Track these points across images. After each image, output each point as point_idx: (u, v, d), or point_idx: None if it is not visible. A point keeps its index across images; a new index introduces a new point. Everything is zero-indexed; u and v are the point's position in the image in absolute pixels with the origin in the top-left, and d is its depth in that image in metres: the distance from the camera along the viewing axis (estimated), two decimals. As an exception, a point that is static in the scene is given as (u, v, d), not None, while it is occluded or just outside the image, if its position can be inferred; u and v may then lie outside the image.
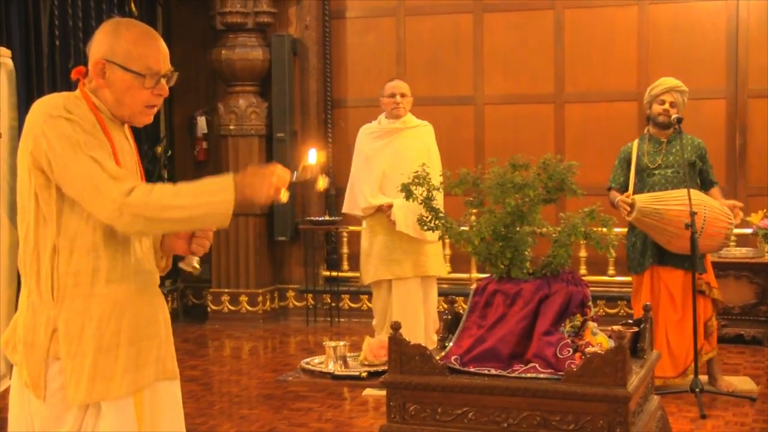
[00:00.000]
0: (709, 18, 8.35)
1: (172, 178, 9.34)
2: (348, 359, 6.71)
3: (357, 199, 6.53)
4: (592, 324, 3.34)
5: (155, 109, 2.81)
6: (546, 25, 8.72)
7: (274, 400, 6.20)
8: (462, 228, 3.49)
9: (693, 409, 5.65)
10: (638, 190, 6.12)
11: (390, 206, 6.27)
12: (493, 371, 3.16)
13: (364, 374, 6.46)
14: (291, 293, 9.27)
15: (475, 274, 8.46)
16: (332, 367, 6.65)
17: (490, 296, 3.29)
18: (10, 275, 5.51)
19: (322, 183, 2.96)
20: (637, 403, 3.19)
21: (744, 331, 7.46)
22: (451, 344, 3.32)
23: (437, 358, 3.24)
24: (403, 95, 6.45)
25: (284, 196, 2.70)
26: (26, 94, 6.71)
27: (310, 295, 9.12)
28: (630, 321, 3.64)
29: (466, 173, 3.51)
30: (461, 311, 3.42)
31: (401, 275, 6.37)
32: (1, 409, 5.56)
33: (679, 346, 5.97)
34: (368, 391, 6.24)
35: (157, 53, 2.75)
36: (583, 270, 8.27)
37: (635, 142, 6.28)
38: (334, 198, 9.20)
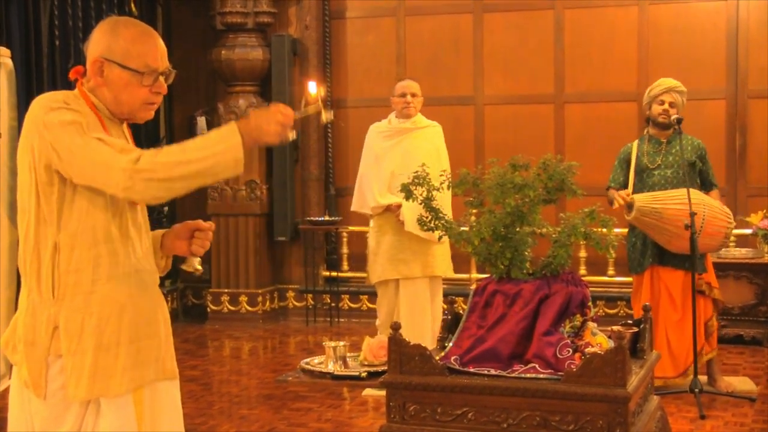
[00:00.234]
0: (709, 18, 8.35)
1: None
2: (348, 359, 6.71)
3: (366, 197, 6.53)
4: (591, 324, 3.34)
5: (155, 106, 2.81)
6: (546, 25, 8.73)
7: (273, 400, 6.20)
8: (462, 228, 3.49)
9: (692, 410, 5.65)
10: (638, 191, 6.12)
11: (399, 206, 6.26)
12: (492, 371, 3.16)
13: (364, 374, 6.46)
14: (291, 293, 9.27)
15: (474, 275, 8.47)
16: (332, 367, 6.65)
17: (490, 296, 3.29)
18: (10, 275, 5.51)
19: (325, 116, 2.92)
20: (637, 404, 3.19)
21: (743, 332, 7.46)
22: (450, 344, 3.32)
23: (437, 358, 3.24)
24: (413, 95, 6.45)
25: (291, 135, 2.69)
26: (26, 94, 6.71)
27: (309, 296, 9.13)
28: (630, 321, 3.64)
29: (466, 173, 3.51)
30: (461, 311, 3.42)
31: (409, 275, 6.37)
32: (1, 408, 5.56)
33: (679, 346, 5.97)
34: (368, 392, 6.24)
35: (155, 51, 2.75)
36: (582, 270, 8.28)
37: (635, 143, 6.29)
38: (333, 198, 9.20)
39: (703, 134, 6.69)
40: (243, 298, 9.05)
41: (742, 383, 6.30)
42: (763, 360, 7.07)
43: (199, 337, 8.52)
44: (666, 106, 6.13)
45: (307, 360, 6.97)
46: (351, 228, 9.02)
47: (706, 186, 6.21)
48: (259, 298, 9.06)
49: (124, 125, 2.83)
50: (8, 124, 5.64)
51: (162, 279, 2.92)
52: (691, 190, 5.88)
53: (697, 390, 5.67)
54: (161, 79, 2.76)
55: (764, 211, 7.64)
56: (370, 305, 8.76)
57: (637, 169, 6.17)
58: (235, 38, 8.95)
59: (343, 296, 9.04)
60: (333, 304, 8.99)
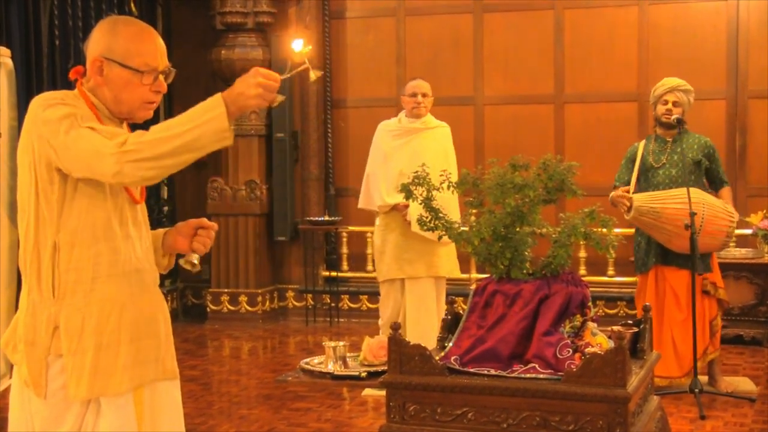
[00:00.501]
0: (709, 19, 8.35)
1: (172, 178, 9.35)
2: (347, 359, 6.70)
3: (373, 196, 6.53)
4: (591, 324, 3.34)
5: (154, 105, 2.81)
6: (546, 25, 8.73)
7: (273, 400, 6.20)
8: (462, 228, 3.49)
9: (692, 410, 5.65)
10: (643, 190, 6.12)
11: (406, 206, 6.24)
12: (492, 371, 3.16)
13: (364, 374, 6.46)
14: (290, 293, 9.27)
15: (474, 275, 8.46)
16: (332, 367, 6.65)
17: (490, 297, 3.29)
18: (10, 275, 5.51)
19: (314, 74, 2.86)
20: (637, 404, 3.19)
21: (743, 332, 7.46)
22: (450, 344, 3.32)
23: (437, 358, 3.24)
24: (424, 95, 6.45)
25: (278, 99, 2.65)
26: (26, 93, 6.71)
27: (309, 296, 9.12)
28: (630, 321, 3.64)
29: (466, 173, 3.51)
30: (461, 311, 3.42)
31: (413, 275, 6.37)
32: (2, 408, 5.56)
33: (684, 346, 5.94)
34: (368, 391, 6.24)
35: (155, 50, 2.75)
36: (582, 270, 8.28)
37: (642, 142, 6.28)
38: (333, 198, 9.20)
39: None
40: (243, 298, 9.05)
41: (742, 383, 6.30)
42: (763, 360, 7.07)
43: (198, 336, 8.53)
44: (669, 105, 6.12)
45: (307, 360, 6.97)
46: (351, 228, 9.02)
47: (716, 184, 6.20)
48: (259, 298, 9.06)
49: (124, 125, 2.83)
50: (8, 123, 5.64)
51: (162, 278, 2.92)
52: (692, 189, 5.88)
53: (697, 390, 5.67)
54: (161, 77, 2.76)
55: (764, 211, 7.64)
56: (370, 305, 8.77)
57: (642, 168, 6.17)
58: (235, 38, 8.96)
59: (342, 296, 9.04)
60: (333, 304, 8.99)
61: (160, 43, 2.78)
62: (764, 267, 7.42)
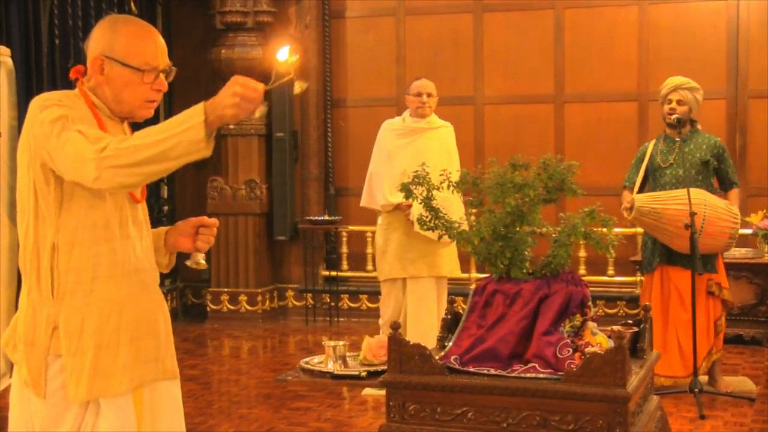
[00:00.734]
0: (709, 19, 8.35)
1: (172, 178, 9.36)
2: (347, 359, 6.70)
3: (375, 195, 6.52)
4: (591, 324, 3.34)
5: (155, 104, 2.81)
6: (546, 25, 8.73)
7: (273, 400, 6.20)
8: (462, 227, 3.48)
9: (692, 410, 5.65)
10: (651, 189, 6.13)
11: (409, 206, 6.24)
12: (492, 371, 3.16)
13: (364, 374, 6.46)
14: (290, 293, 9.27)
15: (474, 274, 8.46)
16: (331, 366, 6.65)
17: (490, 296, 3.29)
18: (10, 275, 5.51)
19: (299, 86, 2.79)
20: (637, 404, 3.18)
21: (743, 332, 7.46)
22: (450, 344, 3.32)
23: (437, 357, 3.24)
24: (429, 95, 6.44)
25: (260, 110, 2.59)
26: (26, 93, 6.71)
27: (309, 295, 9.12)
28: (629, 321, 3.63)
29: (466, 173, 3.51)
30: (461, 311, 3.42)
31: (415, 274, 6.37)
32: (2, 408, 5.56)
33: (689, 346, 5.93)
34: (367, 391, 6.24)
35: (156, 48, 2.75)
36: (582, 270, 8.28)
37: (652, 142, 6.27)
38: (333, 197, 9.20)
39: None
40: (242, 298, 9.05)
41: (741, 383, 6.30)
42: (762, 360, 7.07)
43: (198, 336, 8.52)
44: (673, 104, 6.11)
45: (307, 359, 6.97)
46: (351, 227, 9.02)
47: (725, 185, 6.18)
48: (259, 298, 9.06)
49: (125, 124, 2.83)
50: (8, 123, 5.63)
51: (162, 278, 2.92)
52: (696, 190, 5.88)
53: (696, 390, 5.67)
54: (162, 76, 2.76)
55: (764, 211, 7.64)
56: (370, 305, 8.77)
57: (650, 168, 6.16)
58: (235, 37, 8.96)
59: (342, 296, 9.04)
60: (332, 304, 8.99)
61: (161, 41, 2.78)
62: (764, 267, 7.42)
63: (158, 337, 2.78)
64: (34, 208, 2.66)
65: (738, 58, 8.28)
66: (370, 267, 8.85)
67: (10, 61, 5.80)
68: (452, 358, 3.22)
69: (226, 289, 9.08)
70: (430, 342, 3.52)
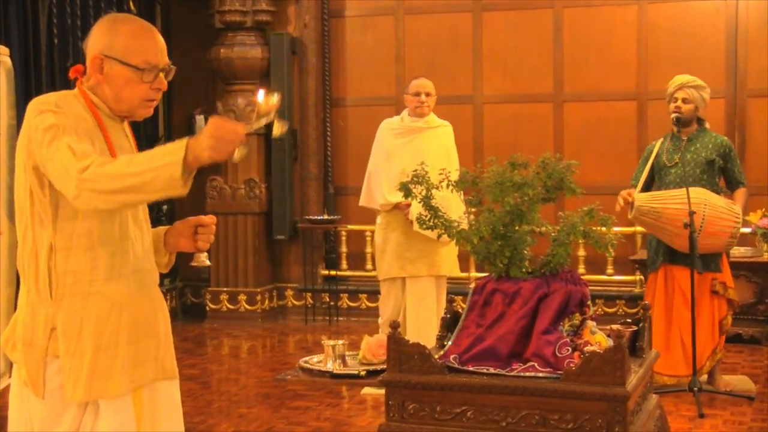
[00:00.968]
0: (708, 18, 8.35)
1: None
2: (347, 358, 6.69)
3: (374, 194, 6.52)
4: (591, 323, 3.34)
5: (154, 103, 2.81)
6: (545, 24, 8.73)
7: (272, 399, 6.20)
8: (461, 226, 3.48)
9: (691, 408, 5.66)
10: (657, 188, 6.13)
11: (408, 205, 6.24)
12: (491, 370, 3.16)
13: (363, 373, 6.44)
14: (290, 292, 9.27)
15: (473, 273, 8.46)
16: (331, 365, 6.62)
17: (489, 295, 3.29)
18: (9, 274, 5.51)
19: (278, 128, 2.73)
20: (636, 402, 3.18)
21: (742, 331, 7.46)
22: (449, 343, 3.31)
23: (436, 357, 3.23)
24: (428, 94, 6.44)
25: (240, 152, 2.52)
26: (25, 92, 6.71)
27: (308, 294, 9.12)
28: (629, 320, 3.63)
29: (465, 172, 3.51)
30: (460, 310, 3.42)
31: (414, 274, 6.37)
32: (1, 407, 5.56)
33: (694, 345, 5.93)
34: (367, 390, 6.24)
35: (155, 47, 2.75)
36: (581, 269, 8.28)
37: (659, 141, 6.26)
38: (332, 197, 9.20)
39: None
40: (242, 297, 9.05)
41: (740, 382, 6.30)
42: (761, 359, 7.07)
43: (197, 335, 8.52)
44: (679, 102, 6.10)
45: (306, 359, 6.93)
46: (350, 227, 9.02)
47: (731, 184, 6.17)
48: (258, 297, 9.06)
49: (125, 123, 2.83)
50: (7, 122, 5.63)
51: (161, 277, 2.92)
52: (696, 189, 5.88)
53: (696, 389, 5.67)
54: (161, 75, 2.76)
55: (763, 209, 7.64)
56: (369, 304, 8.77)
57: (656, 167, 6.16)
58: (234, 37, 8.95)
59: (341, 295, 9.04)
60: (332, 303, 8.99)
61: (161, 40, 2.78)
62: (763, 265, 7.42)
63: (158, 338, 2.78)
64: (30, 210, 2.66)
65: (737, 58, 8.28)
66: (369, 266, 8.86)
67: (8, 60, 5.79)
68: (451, 357, 3.22)
69: (225, 289, 9.08)
70: (429, 341, 3.52)
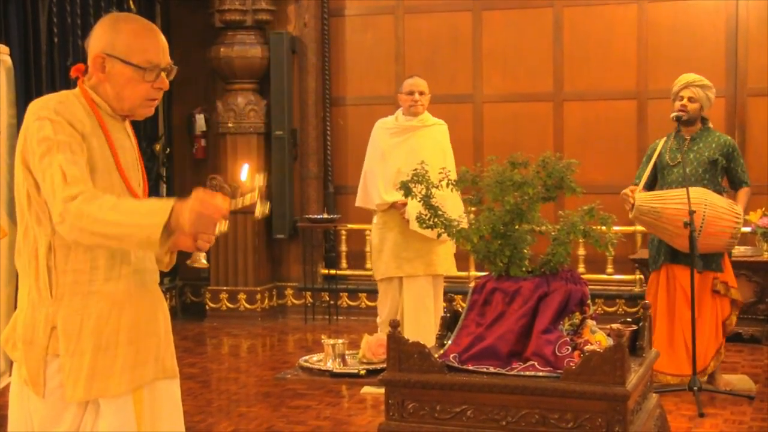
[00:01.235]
0: (708, 17, 8.35)
1: (171, 177, 9.36)
2: (346, 357, 6.69)
3: (371, 194, 6.52)
4: (590, 322, 3.34)
5: (156, 102, 2.81)
6: (545, 23, 8.72)
7: (272, 398, 6.20)
8: (461, 225, 3.48)
9: (691, 408, 5.66)
10: (659, 187, 6.12)
11: (404, 204, 6.24)
12: (491, 369, 3.16)
13: (363, 372, 6.44)
14: (289, 291, 9.27)
15: (473, 272, 8.46)
16: (331, 364, 6.62)
17: (489, 294, 3.29)
18: (9, 273, 5.50)
19: (260, 209, 2.73)
20: (636, 402, 3.18)
21: (742, 330, 7.46)
22: (449, 342, 3.31)
23: (436, 356, 3.23)
24: (421, 93, 6.45)
25: (221, 227, 2.57)
26: (25, 91, 6.70)
27: (308, 293, 9.12)
28: (629, 319, 3.63)
29: (465, 171, 3.51)
30: (460, 309, 3.42)
31: (412, 273, 6.37)
32: (1, 406, 5.56)
33: (696, 343, 5.92)
34: (367, 389, 6.24)
35: (157, 46, 2.75)
36: (581, 268, 8.28)
37: (662, 139, 6.25)
38: (332, 196, 9.20)
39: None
40: (242, 296, 9.05)
41: (740, 381, 6.30)
42: (761, 358, 7.07)
43: (197, 334, 8.52)
44: (684, 101, 6.10)
45: (306, 358, 6.94)
46: (350, 226, 9.02)
47: (734, 184, 6.17)
48: (258, 296, 9.05)
49: (126, 122, 2.83)
50: (7, 121, 5.63)
51: (161, 276, 2.92)
52: (697, 189, 5.87)
53: (696, 388, 5.67)
54: (163, 74, 2.76)
55: (763, 209, 7.64)
56: (369, 303, 8.77)
57: (659, 166, 6.15)
58: (234, 36, 8.95)
59: (341, 294, 9.04)
60: (332, 302, 8.99)
61: (162, 40, 2.78)
62: (763, 265, 7.42)
63: (158, 337, 2.77)
64: (29, 209, 2.66)
65: (737, 57, 8.27)
66: (369, 265, 8.84)
67: (8, 59, 5.79)
68: (451, 356, 3.22)
69: (225, 288, 9.08)
70: (427, 341, 3.51)
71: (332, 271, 9.11)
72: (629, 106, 8.56)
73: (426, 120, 6.53)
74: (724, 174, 6.14)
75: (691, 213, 5.66)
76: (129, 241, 2.54)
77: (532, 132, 8.71)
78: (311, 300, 9.11)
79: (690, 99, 6.09)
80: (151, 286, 2.80)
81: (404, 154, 6.35)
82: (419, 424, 3.17)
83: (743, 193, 6.15)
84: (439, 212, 3.50)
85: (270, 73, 9.00)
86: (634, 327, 3.50)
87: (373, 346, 6.58)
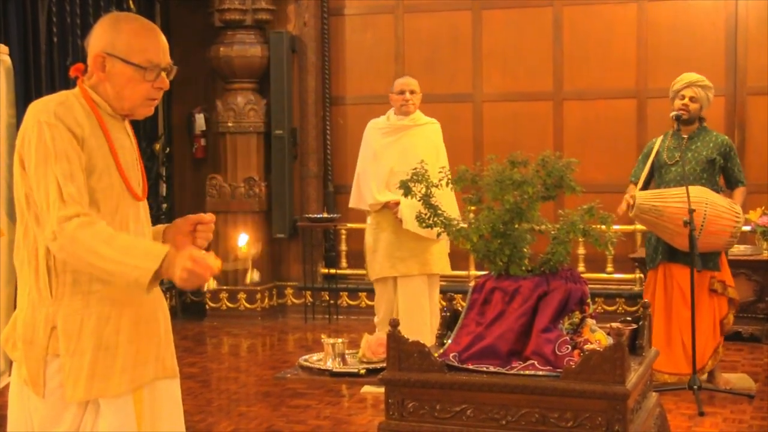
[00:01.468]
0: (708, 16, 8.35)
1: (171, 176, 9.35)
2: (346, 356, 6.71)
3: (364, 194, 6.53)
4: (590, 321, 3.34)
5: (156, 102, 2.81)
6: (545, 22, 8.72)
7: (272, 398, 6.20)
8: (460, 225, 3.48)
9: (691, 406, 5.66)
10: (656, 186, 6.12)
11: (397, 203, 6.25)
12: (491, 368, 3.16)
13: (363, 371, 6.46)
14: (289, 290, 9.27)
15: (473, 272, 8.47)
16: (330, 364, 6.65)
17: (489, 293, 3.29)
18: (9, 272, 5.50)
19: (251, 276, 2.85)
20: (636, 401, 3.18)
21: (742, 329, 7.46)
22: (449, 341, 3.32)
23: (435, 355, 3.23)
24: (412, 92, 6.45)
25: (208, 285, 2.62)
26: (24, 91, 6.70)
27: (308, 293, 9.12)
28: (628, 318, 3.63)
29: (465, 170, 3.51)
30: (460, 308, 3.42)
31: (406, 273, 6.37)
32: (1, 406, 5.55)
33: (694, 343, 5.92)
34: (366, 388, 6.24)
35: (158, 46, 2.75)
36: (581, 267, 8.28)
37: (659, 138, 6.25)
38: (332, 195, 9.20)
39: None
40: (241, 296, 9.05)
41: (740, 380, 6.30)
42: (761, 357, 7.07)
43: (197, 334, 8.52)
44: (686, 100, 6.09)
45: (306, 357, 6.97)
46: (350, 225, 9.02)
47: (731, 183, 6.17)
48: (258, 296, 9.05)
49: (126, 122, 2.83)
50: (6, 121, 5.63)
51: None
52: (697, 188, 5.87)
53: (695, 387, 5.67)
54: (163, 74, 2.76)
55: (763, 208, 7.64)
56: (369, 302, 8.76)
57: (656, 164, 6.15)
58: (234, 35, 8.95)
59: (341, 293, 9.04)
60: (331, 301, 8.99)
61: (163, 39, 2.78)
62: (763, 264, 7.42)
63: (158, 337, 2.78)
64: (28, 209, 2.66)
65: (737, 56, 8.27)
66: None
67: (8, 59, 5.79)
68: (451, 355, 3.22)
69: (225, 287, 9.08)
70: (422, 340, 3.51)
71: (332, 271, 9.11)
72: (629, 105, 8.56)
73: (418, 119, 6.52)
74: (721, 173, 6.15)
75: (691, 212, 5.66)
76: (117, 278, 2.58)
77: (531, 131, 8.71)
78: (311, 299, 9.11)
79: (692, 99, 6.08)
80: (151, 285, 2.80)
81: (397, 154, 6.36)
82: (419, 424, 3.17)
83: (739, 192, 6.15)
84: (439, 211, 3.50)
85: (270, 73, 8.99)
86: (634, 326, 3.50)
87: (373, 345, 6.59)
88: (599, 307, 8.15)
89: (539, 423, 3.05)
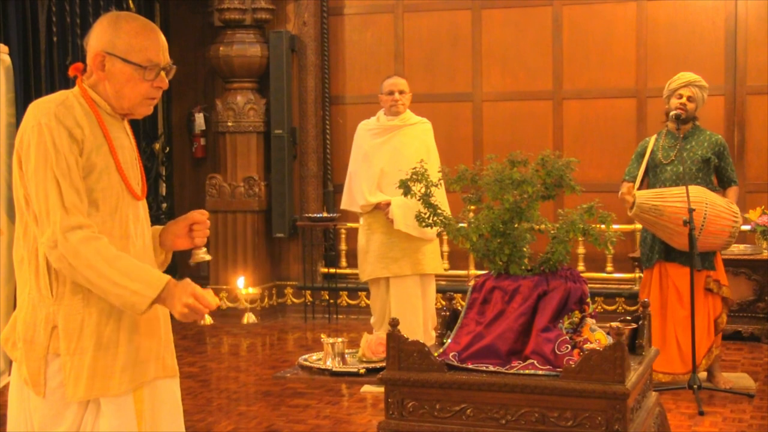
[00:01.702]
0: (707, 15, 8.35)
1: (170, 176, 9.35)
2: (346, 356, 6.70)
3: (355, 196, 6.53)
4: (590, 320, 3.34)
5: (155, 101, 2.81)
6: (544, 21, 8.72)
7: (272, 397, 6.20)
8: (460, 224, 3.48)
9: (691, 406, 5.66)
10: (652, 185, 6.12)
11: (388, 204, 6.26)
12: (491, 368, 3.16)
13: (362, 371, 6.46)
14: (289, 290, 9.27)
15: (473, 271, 8.46)
16: (330, 363, 6.64)
17: (489, 293, 3.29)
18: (9, 272, 5.50)
19: (247, 319, 2.90)
20: (636, 400, 3.18)
21: (742, 328, 7.47)
22: (449, 341, 3.31)
23: (435, 354, 3.23)
24: (401, 92, 6.44)
25: (207, 320, 2.69)
26: (24, 90, 6.70)
27: (308, 292, 9.12)
28: (628, 317, 3.63)
29: (465, 170, 3.51)
30: (459, 308, 3.42)
31: (399, 273, 6.37)
32: (1, 406, 5.55)
33: (687, 342, 5.93)
34: (366, 388, 6.24)
35: (157, 45, 2.75)
36: (581, 266, 8.28)
37: (653, 137, 6.25)
38: (332, 195, 9.20)
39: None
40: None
41: (740, 379, 6.30)
42: (761, 356, 7.07)
43: (197, 333, 8.52)
44: (684, 99, 6.09)
45: (306, 356, 6.96)
46: (349, 224, 9.01)
47: (724, 182, 6.17)
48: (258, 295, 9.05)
49: (125, 121, 2.83)
50: (6, 120, 5.63)
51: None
52: (697, 187, 5.87)
53: (695, 386, 5.67)
54: (162, 74, 2.76)
55: (763, 207, 7.64)
56: (368, 302, 8.76)
57: (651, 163, 6.15)
58: (233, 35, 8.95)
59: (341, 293, 9.04)
60: (331, 301, 8.99)
61: (162, 39, 2.78)
62: (763, 263, 7.42)
63: (158, 336, 2.78)
64: (27, 209, 2.65)
65: (736, 55, 8.27)
66: (367, 264, 8.85)
67: (8, 58, 5.79)
68: (451, 354, 3.22)
69: (224, 287, 9.07)
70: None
71: (332, 270, 9.11)
72: (628, 104, 8.56)
73: (408, 119, 6.51)
74: (714, 172, 6.15)
75: (691, 211, 5.66)
76: (115, 300, 2.60)
77: (531, 130, 8.71)
78: (311, 299, 9.11)
79: (689, 98, 6.09)
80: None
81: (387, 154, 6.36)
82: (419, 423, 3.17)
83: (733, 192, 6.16)
84: (438, 211, 3.50)
85: (269, 72, 8.99)
86: (634, 325, 3.50)
87: (373, 344, 6.59)
88: (599, 307, 8.15)
89: (539, 422, 3.05)
